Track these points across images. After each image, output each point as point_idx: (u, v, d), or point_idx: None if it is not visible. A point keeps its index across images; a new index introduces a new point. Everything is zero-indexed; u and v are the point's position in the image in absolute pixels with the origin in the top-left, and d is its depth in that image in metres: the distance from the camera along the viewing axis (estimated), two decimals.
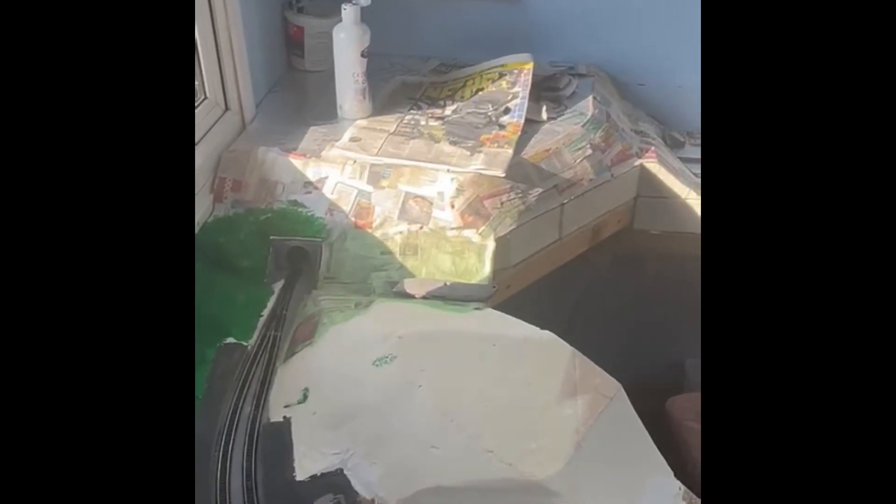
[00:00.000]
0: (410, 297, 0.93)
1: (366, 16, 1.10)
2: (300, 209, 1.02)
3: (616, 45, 1.36)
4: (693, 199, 1.21)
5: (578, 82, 1.27)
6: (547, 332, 0.82)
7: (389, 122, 1.13)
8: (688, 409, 1.25)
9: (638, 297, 1.61)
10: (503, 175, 1.00)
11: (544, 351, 0.80)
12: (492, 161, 1.02)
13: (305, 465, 0.72)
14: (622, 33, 1.35)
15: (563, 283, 1.54)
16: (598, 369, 0.78)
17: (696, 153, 1.35)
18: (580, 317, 1.61)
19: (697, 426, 1.22)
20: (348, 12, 1.08)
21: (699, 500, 0.72)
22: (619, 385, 0.76)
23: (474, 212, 0.99)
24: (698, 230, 1.23)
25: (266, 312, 0.93)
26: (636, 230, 1.25)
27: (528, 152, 1.07)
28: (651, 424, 1.27)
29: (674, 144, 1.36)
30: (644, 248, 1.29)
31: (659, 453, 0.75)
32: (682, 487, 0.73)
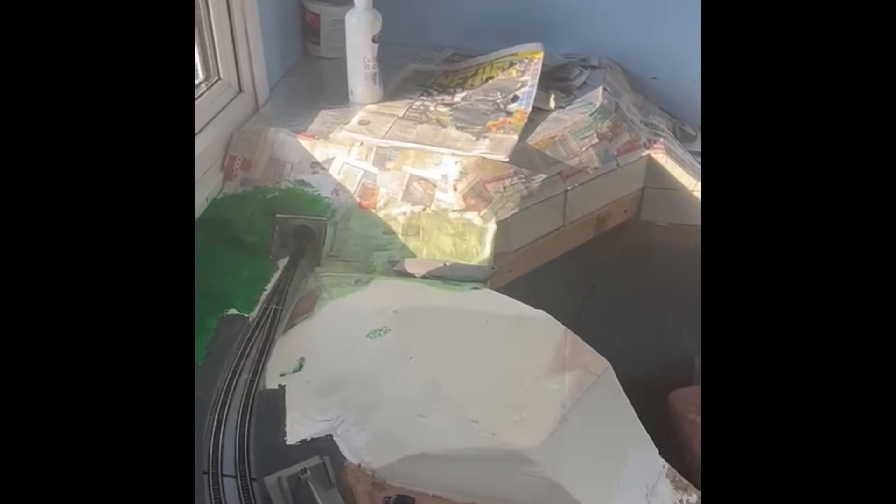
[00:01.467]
0: (410, 276, 0.95)
1: (382, 6, 1.13)
2: (307, 188, 1.04)
3: (630, 38, 1.36)
4: (700, 192, 1.21)
5: (589, 73, 1.28)
6: (541, 311, 0.84)
7: (399, 107, 1.15)
8: (689, 402, 1.26)
9: (650, 291, 1.61)
10: (507, 160, 1.01)
11: (536, 329, 0.81)
12: (496, 146, 1.03)
13: (296, 430, 0.74)
14: (636, 27, 1.35)
15: (574, 273, 1.55)
16: (589, 347, 0.79)
17: None
18: (591, 308, 1.62)
19: (698, 419, 1.22)
20: None
21: (689, 484, 0.73)
22: (607, 363, 0.77)
23: (477, 195, 1.00)
24: None
25: (269, 287, 0.95)
26: (643, 221, 1.25)
27: (534, 139, 1.08)
28: (655, 417, 1.28)
29: (684, 138, 1.36)
30: (652, 239, 1.29)
31: (644, 431, 0.75)
32: (667, 466, 0.74)
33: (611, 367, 0.77)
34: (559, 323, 0.81)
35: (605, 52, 1.37)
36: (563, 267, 1.43)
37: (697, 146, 1.35)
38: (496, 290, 0.93)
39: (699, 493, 0.71)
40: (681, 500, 0.70)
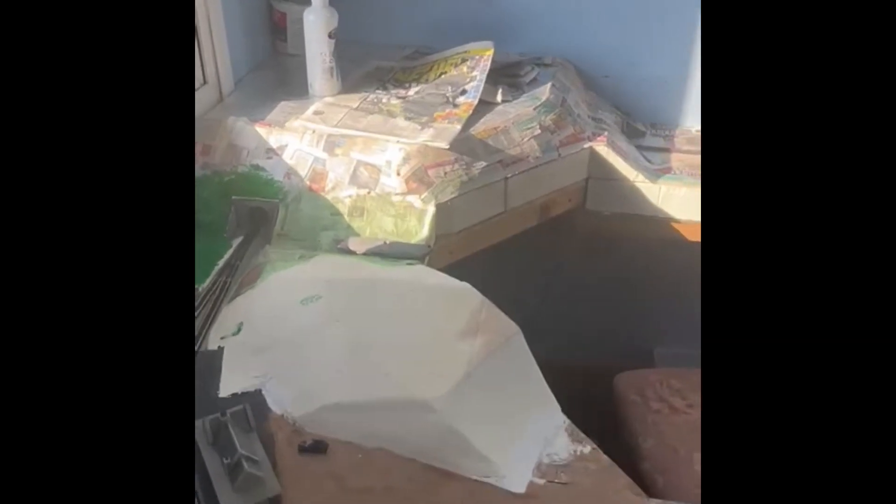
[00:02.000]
0: (352, 252, 1.01)
1: (350, 6, 1.20)
2: (261, 173, 1.11)
3: (583, 38, 1.43)
4: (641, 183, 1.27)
5: (540, 71, 1.35)
6: (465, 283, 0.90)
7: (354, 99, 1.22)
8: (631, 384, 1.31)
9: (607, 280, 1.67)
10: (447, 147, 1.08)
11: (456, 297, 0.88)
12: (439, 134, 1.10)
13: (228, 385, 0.81)
14: (589, 27, 1.42)
15: (532, 259, 1.61)
16: (502, 314, 0.85)
17: (656, 143, 1.42)
18: (552, 294, 1.68)
19: (639, 399, 1.28)
20: None
21: (586, 438, 0.79)
22: (517, 328, 0.83)
23: (418, 179, 1.07)
24: (648, 213, 1.30)
25: (222, 262, 1.02)
26: (589, 210, 1.32)
27: (477, 129, 1.15)
28: (605, 403, 1.34)
29: (634, 134, 1.42)
30: (599, 228, 1.35)
31: (549, 392, 0.82)
32: (568, 422, 0.80)
33: (520, 333, 0.83)
34: (478, 293, 0.88)
35: (559, 52, 1.44)
36: (521, 254, 1.49)
37: (647, 142, 1.42)
38: (439, 269, 0.99)
39: (593, 445, 0.77)
40: (575, 451, 0.76)
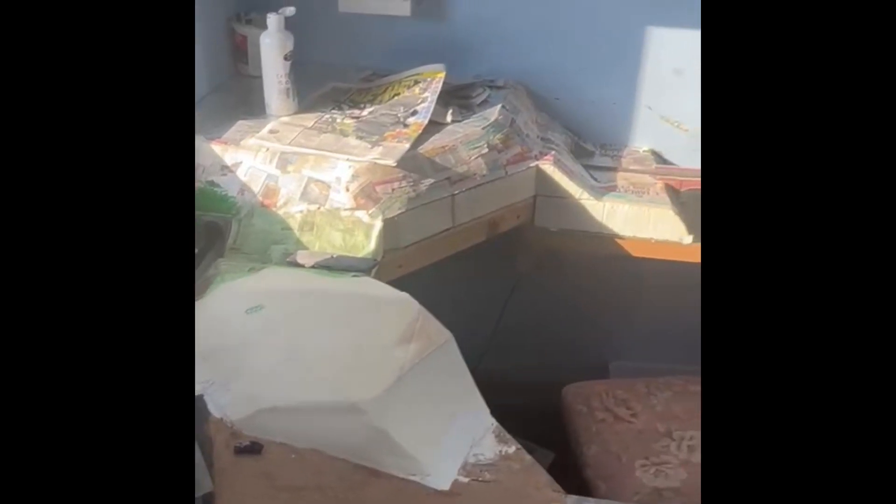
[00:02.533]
0: (300, 265, 1.05)
1: (311, 30, 1.25)
2: (216, 189, 1.15)
3: (535, 61, 1.49)
4: (586, 200, 1.32)
5: (492, 93, 1.41)
6: (404, 293, 0.94)
7: (309, 119, 1.27)
8: (578, 395, 1.36)
9: (563, 296, 1.72)
10: (395, 164, 1.13)
11: (394, 307, 0.92)
12: (387, 153, 1.15)
13: None
14: (541, 51, 1.48)
15: (491, 277, 1.66)
16: (437, 322, 0.89)
17: (605, 162, 1.47)
18: (511, 310, 1.72)
19: (585, 409, 1.32)
20: (272, 20, 1.22)
21: (511, 438, 0.83)
22: (450, 334, 0.87)
23: (366, 196, 1.12)
24: (594, 229, 1.35)
25: None
26: (537, 227, 1.36)
27: (426, 147, 1.20)
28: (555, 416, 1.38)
29: (583, 153, 1.48)
30: (548, 243, 1.40)
31: (479, 395, 0.86)
32: (495, 424, 0.84)
33: (453, 339, 0.87)
34: (416, 302, 0.92)
35: (513, 74, 1.50)
36: (476, 267, 1.53)
37: (595, 161, 1.47)
38: (388, 283, 1.03)
39: (518, 446, 0.81)
40: (501, 451, 0.80)
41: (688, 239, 1.33)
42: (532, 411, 1.52)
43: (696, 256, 1.36)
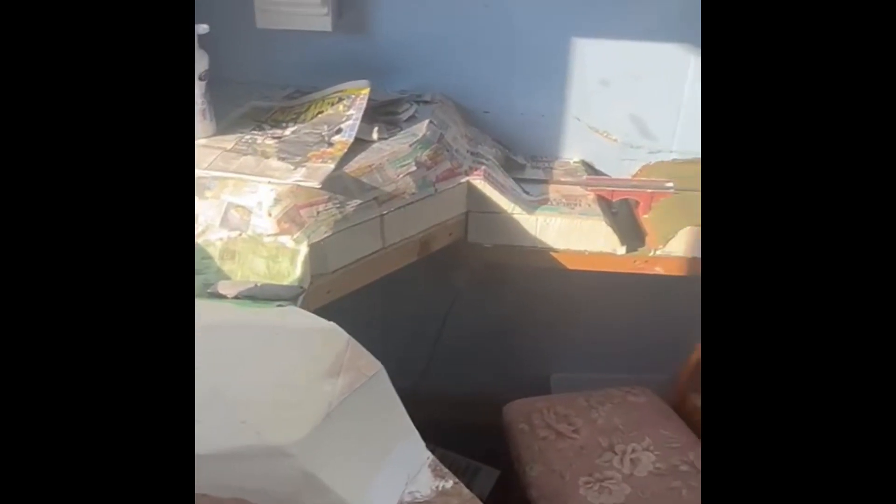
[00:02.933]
0: (223, 297, 1.00)
1: (225, 46, 1.19)
2: None
3: (462, 75, 1.47)
4: (519, 214, 1.30)
5: (419, 108, 1.38)
6: (331, 323, 0.90)
7: (229, 140, 1.21)
8: (520, 412, 1.33)
9: (501, 312, 1.70)
10: (319, 186, 1.09)
11: (322, 338, 0.87)
12: (311, 174, 1.10)
13: None
14: (468, 65, 1.46)
15: (429, 296, 1.63)
16: (366, 353, 0.85)
17: (536, 175, 1.46)
18: (449, 328, 1.69)
19: (527, 427, 1.30)
20: None
21: (448, 472, 0.79)
22: (380, 365, 0.83)
23: (290, 220, 1.07)
24: (528, 243, 1.33)
25: None
26: (471, 243, 1.34)
27: (351, 167, 1.15)
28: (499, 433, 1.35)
29: (514, 167, 1.46)
30: (482, 259, 1.38)
31: (413, 428, 0.82)
32: (432, 458, 0.80)
33: (383, 370, 0.83)
34: (344, 333, 0.88)
35: (440, 89, 1.47)
36: (412, 288, 1.50)
37: (526, 174, 1.46)
38: (317, 309, 0.99)
39: (455, 480, 0.78)
40: (437, 486, 0.77)
41: (621, 249, 1.33)
42: (476, 428, 1.50)
43: (630, 267, 1.36)
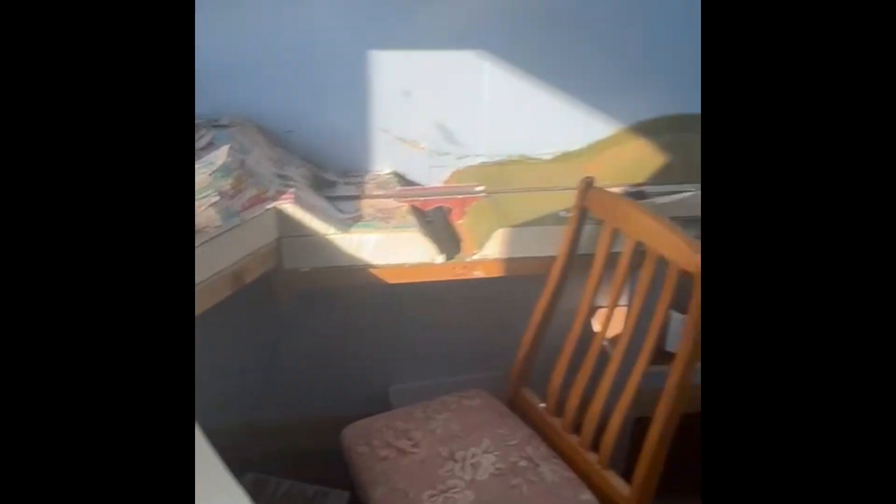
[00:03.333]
0: None
1: None
2: None
3: (261, 96, 1.41)
4: (334, 235, 1.28)
5: (216, 133, 1.31)
6: None
7: None
8: (358, 435, 1.31)
9: (330, 333, 1.66)
10: None
11: None
12: None
13: None
14: (266, 85, 1.41)
15: (251, 329, 1.56)
16: None
17: (348, 191, 1.44)
18: (279, 359, 1.63)
19: (367, 449, 1.28)
20: None
21: None
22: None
23: None
24: (346, 263, 1.31)
25: None
26: (287, 269, 1.29)
27: None
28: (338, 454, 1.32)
29: (325, 185, 1.43)
30: (301, 285, 1.33)
31: (230, 478, 0.77)
32: None
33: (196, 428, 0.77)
34: None
35: (238, 111, 1.41)
36: (230, 324, 1.43)
37: (338, 190, 1.43)
38: None
39: None
40: None
41: (440, 258, 1.34)
42: (320, 452, 1.45)
43: (451, 273, 1.37)
